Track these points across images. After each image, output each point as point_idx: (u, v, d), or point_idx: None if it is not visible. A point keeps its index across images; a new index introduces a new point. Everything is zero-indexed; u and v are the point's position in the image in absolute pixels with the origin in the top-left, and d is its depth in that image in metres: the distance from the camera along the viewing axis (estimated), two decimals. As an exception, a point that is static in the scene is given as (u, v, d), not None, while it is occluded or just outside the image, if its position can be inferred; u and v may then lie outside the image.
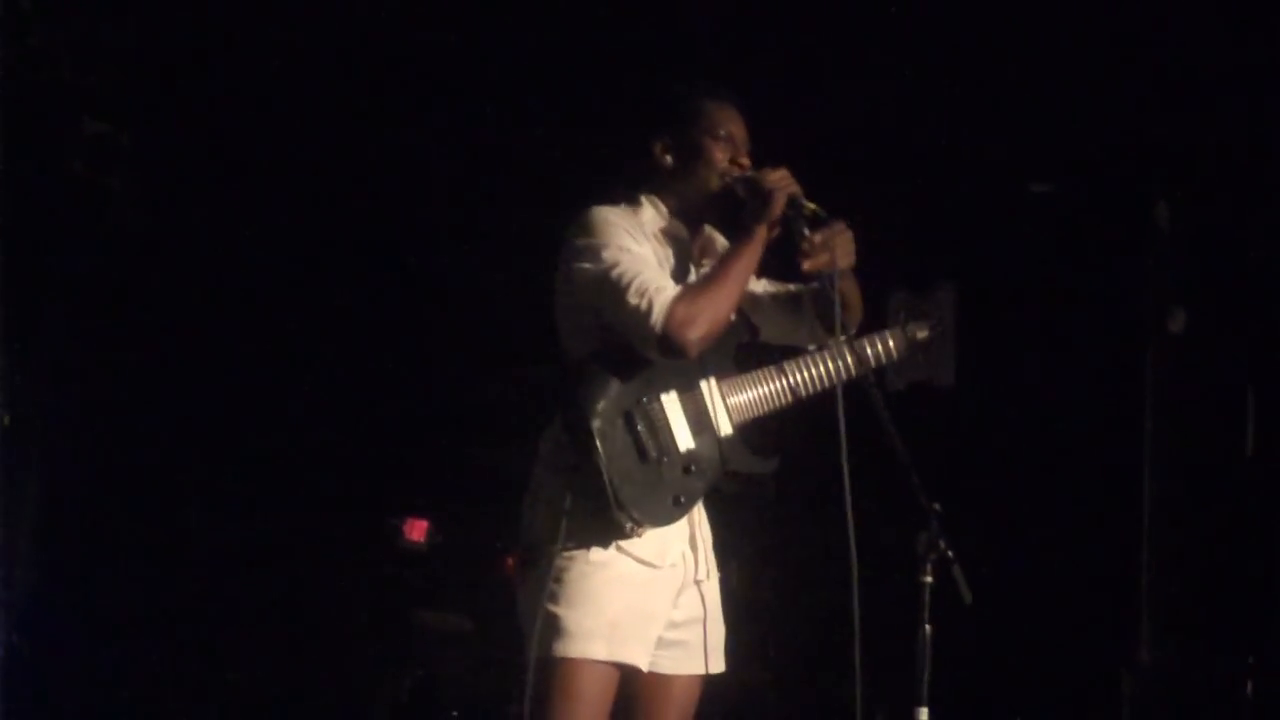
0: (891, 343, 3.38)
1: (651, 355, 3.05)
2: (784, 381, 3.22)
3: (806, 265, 3.16)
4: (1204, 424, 5.09)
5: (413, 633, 5.44)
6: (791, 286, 3.38)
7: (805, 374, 3.22)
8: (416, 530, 5.57)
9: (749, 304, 3.36)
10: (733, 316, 3.18)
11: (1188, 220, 5.15)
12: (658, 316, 2.98)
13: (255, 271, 5.67)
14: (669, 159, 3.25)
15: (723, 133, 3.22)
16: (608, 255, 3.07)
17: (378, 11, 5.09)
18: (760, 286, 3.42)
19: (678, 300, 3.00)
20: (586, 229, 3.13)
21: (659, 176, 3.26)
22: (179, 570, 5.63)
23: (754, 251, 3.13)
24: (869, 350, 3.35)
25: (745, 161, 3.22)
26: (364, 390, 5.77)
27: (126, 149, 5.30)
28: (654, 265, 3.11)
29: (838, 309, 3.10)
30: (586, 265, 3.10)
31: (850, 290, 3.32)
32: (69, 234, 5.29)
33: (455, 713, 5.29)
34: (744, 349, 3.31)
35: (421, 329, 5.76)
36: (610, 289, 3.05)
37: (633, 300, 3.01)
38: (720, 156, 3.21)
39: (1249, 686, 4.80)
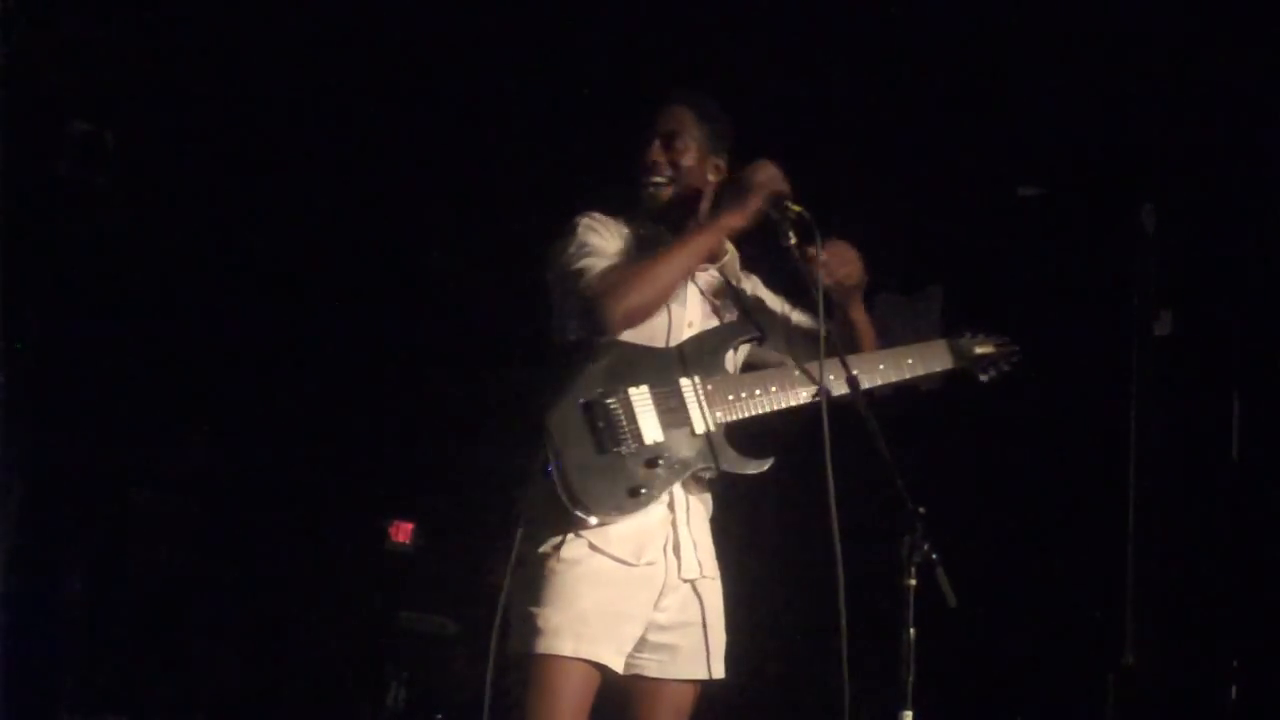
0: (934, 355, 3.35)
1: (584, 331, 3.05)
2: (788, 384, 3.19)
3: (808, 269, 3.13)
4: (1190, 427, 5.10)
5: (398, 634, 5.44)
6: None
7: (813, 376, 3.18)
8: (402, 532, 5.57)
9: (772, 327, 3.33)
10: (668, 300, 3.12)
11: (1174, 223, 5.15)
12: (585, 283, 3.01)
13: (242, 272, 5.67)
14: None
15: (657, 132, 3.22)
16: (572, 251, 3.11)
17: (363, 12, 5.08)
18: (793, 315, 3.39)
19: (607, 270, 3.02)
20: (561, 235, 3.16)
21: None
22: (165, 571, 5.63)
23: (706, 240, 3.12)
24: (907, 360, 3.30)
25: (685, 161, 3.20)
26: (350, 392, 5.76)
27: (112, 148, 5.29)
28: (612, 256, 3.11)
29: (821, 314, 3.09)
30: (552, 270, 3.13)
31: (860, 317, 3.30)
32: (56, 234, 5.28)
33: (440, 715, 5.29)
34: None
35: (408, 331, 5.76)
36: (564, 280, 3.08)
37: (573, 280, 3.04)
38: (655, 159, 3.22)
39: (1233, 690, 4.81)
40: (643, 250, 3.19)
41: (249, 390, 5.70)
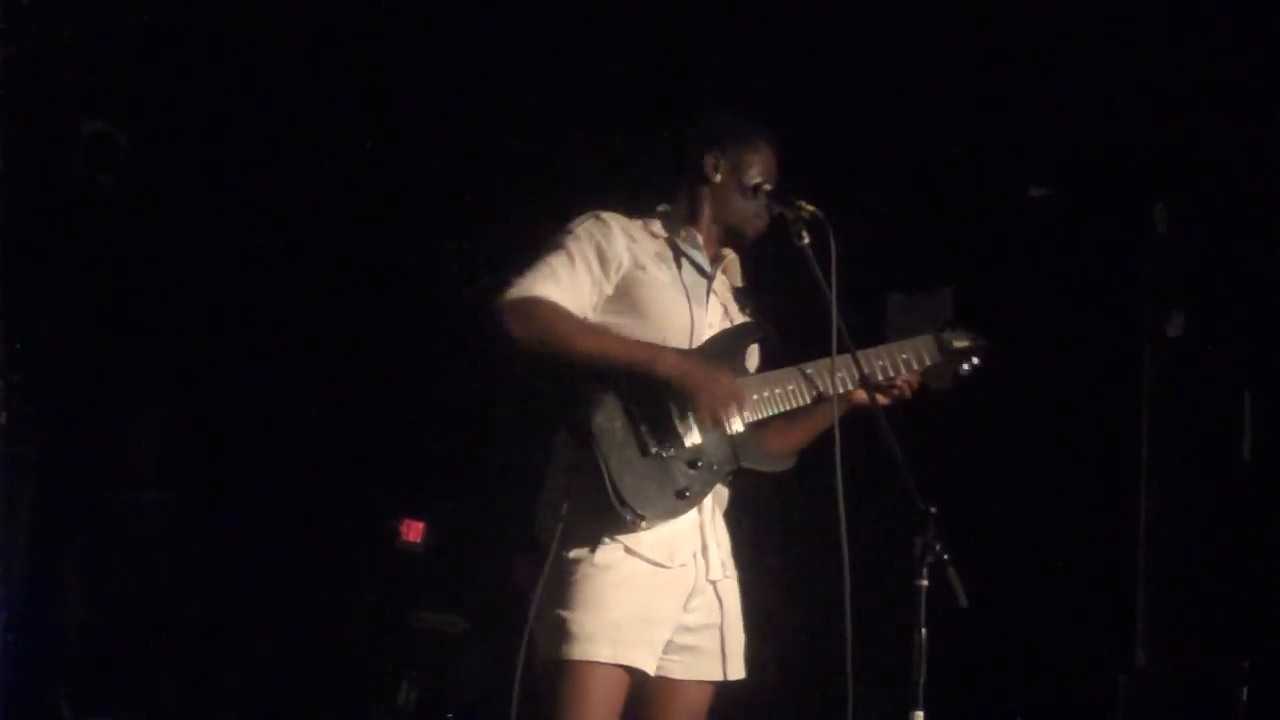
0: (924, 350, 3.38)
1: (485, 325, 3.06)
2: (803, 382, 3.21)
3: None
4: (1201, 428, 5.09)
5: (409, 633, 5.44)
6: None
7: (826, 375, 3.20)
8: (413, 531, 5.57)
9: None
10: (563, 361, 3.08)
11: (1185, 224, 5.14)
12: (513, 292, 3.02)
13: (252, 272, 5.68)
14: (716, 175, 3.27)
15: (760, 162, 3.26)
16: (546, 247, 3.13)
17: (374, 15, 5.08)
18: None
19: (541, 300, 3.02)
20: (566, 225, 3.17)
21: (698, 186, 3.28)
22: (175, 571, 5.64)
23: (632, 365, 3.04)
24: (901, 356, 3.34)
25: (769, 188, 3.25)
26: (361, 391, 5.77)
27: (124, 148, 5.31)
28: (572, 278, 3.10)
29: (834, 312, 3.09)
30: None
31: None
32: (67, 233, 5.29)
33: (451, 714, 5.29)
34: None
35: (419, 330, 5.76)
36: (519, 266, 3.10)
37: (517, 278, 3.05)
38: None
39: (1244, 691, 4.80)
40: (672, 252, 3.21)
41: (260, 389, 5.71)
